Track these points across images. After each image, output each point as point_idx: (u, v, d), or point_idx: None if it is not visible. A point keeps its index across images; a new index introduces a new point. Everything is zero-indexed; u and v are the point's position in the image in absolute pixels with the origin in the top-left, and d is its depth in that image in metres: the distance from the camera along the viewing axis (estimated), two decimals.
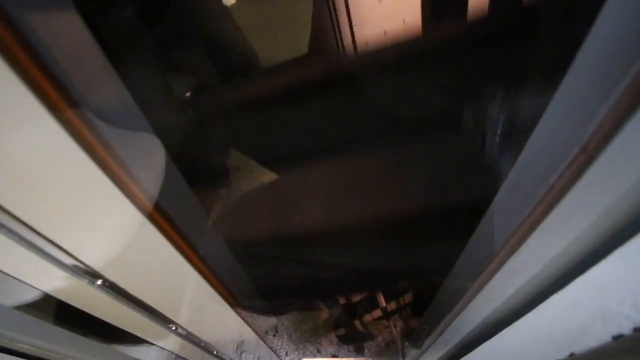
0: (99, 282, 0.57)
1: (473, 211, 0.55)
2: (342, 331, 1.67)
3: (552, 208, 0.36)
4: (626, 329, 0.38)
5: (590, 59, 0.32)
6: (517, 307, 0.55)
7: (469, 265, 0.58)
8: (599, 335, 0.44)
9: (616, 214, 0.35)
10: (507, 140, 0.81)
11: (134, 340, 0.84)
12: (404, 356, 1.53)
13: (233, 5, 1.13)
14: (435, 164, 1.05)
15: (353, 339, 1.65)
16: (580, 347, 0.47)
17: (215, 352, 1.17)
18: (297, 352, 1.63)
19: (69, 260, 0.51)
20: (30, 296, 0.58)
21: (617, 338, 0.41)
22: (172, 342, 0.94)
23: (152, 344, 0.90)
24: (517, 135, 0.77)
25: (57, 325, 0.70)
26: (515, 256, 0.43)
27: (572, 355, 0.49)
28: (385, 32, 0.96)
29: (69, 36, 0.39)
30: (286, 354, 1.63)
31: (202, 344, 1.06)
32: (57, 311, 0.70)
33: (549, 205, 0.36)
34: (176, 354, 1.04)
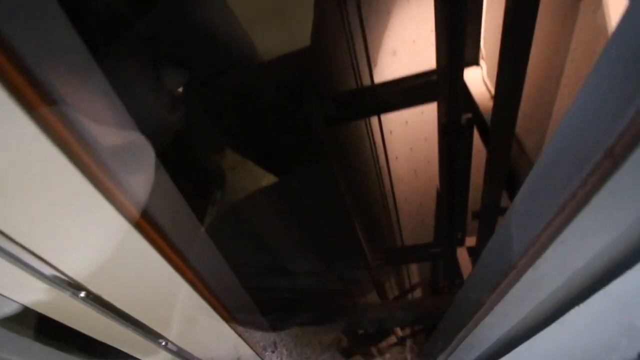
0: (83, 294, 0.57)
1: None
2: (347, 347, 1.67)
3: (573, 217, 0.35)
4: None
5: (616, 52, 0.32)
6: (535, 322, 0.55)
7: (484, 277, 0.58)
8: (625, 353, 0.44)
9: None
10: None
11: (121, 356, 0.83)
12: None
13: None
14: None
15: (359, 353, 1.65)
16: None
17: None
18: None
19: (49, 271, 0.51)
20: (7, 310, 0.58)
21: None
22: (161, 359, 0.93)
23: None
24: None
25: (37, 341, 0.70)
26: (534, 268, 0.43)
27: None
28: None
29: (45, 28, 0.38)
30: None
31: None
32: (37, 325, 0.70)
33: (571, 214, 0.36)
34: None
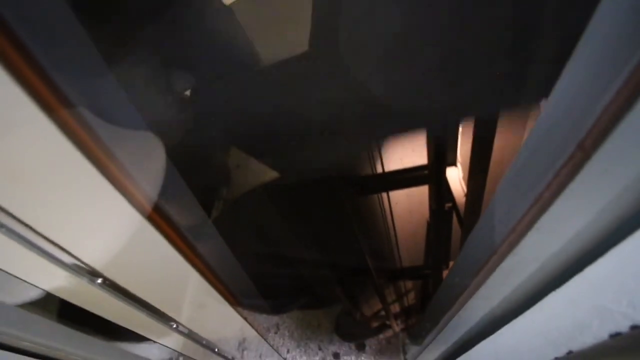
0: (99, 280, 0.57)
1: None
2: (343, 328, 1.67)
3: (549, 206, 0.36)
4: (623, 327, 0.38)
5: (587, 54, 0.32)
6: (515, 306, 0.55)
7: (468, 263, 0.58)
8: (597, 333, 0.44)
9: (613, 211, 0.34)
10: None
11: (136, 337, 0.84)
12: (404, 353, 1.53)
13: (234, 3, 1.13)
14: None
15: (354, 336, 1.65)
16: (577, 345, 0.47)
17: (216, 350, 1.18)
18: (298, 350, 1.64)
19: (68, 259, 0.51)
20: (32, 295, 0.59)
21: (615, 336, 0.41)
22: (173, 340, 0.94)
23: (154, 341, 0.90)
24: None
25: (60, 323, 0.70)
26: (513, 254, 0.43)
27: (570, 352, 0.49)
28: None
29: (63, 35, 0.38)
30: (288, 352, 1.64)
31: (203, 342, 1.06)
32: (59, 309, 0.70)
33: (546, 203, 0.36)
34: (178, 352, 1.05)
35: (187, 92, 1.26)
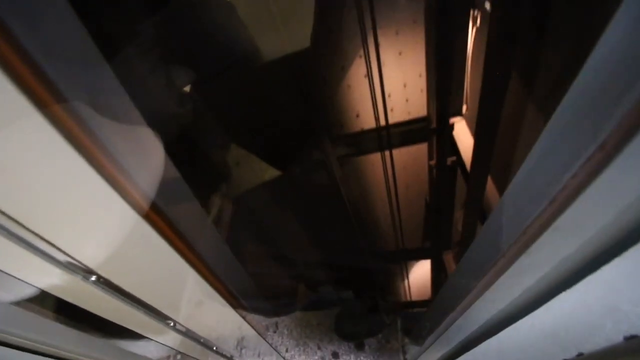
0: (93, 278, 0.55)
1: None
2: (342, 328, 1.67)
3: (565, 208, 0.34)
4: None
5: (608, 52, 0.30)
6: (523, 305, 0.54)
7: (475, 263, 0.57)
8: (610, 335, 0.43)
9: (632, 212, 0.33)
10: None
11: (133, 335, 0.83)
12: (404, 353, 1.52)
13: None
14: None
15: (353, 336, 1.65)
16: (589, 347, 0.46)
17: (215, 348, 1.17)
18: (297, 349, 1.63)
19: (62, 257, 0.50)
20: (27, 292, 0.57)
21: (630, 339, 0.40)
22: (170, 338, 0.93)
23: (150, 339, 0.89)
24: None
25: (57, 321, 0.69)
26: (524, 256, 0.42)
27: (580, 355, 0.48)
28: None
29: (57, 29, 0.37)
30: (286, 351, 1.63)
31: (201, 340, 1.05)
32: (57, 307, 0.69)
33: (563, 204, 0.35)
34: (176, 350, 1.04)
35: (186, 88, 1.24)
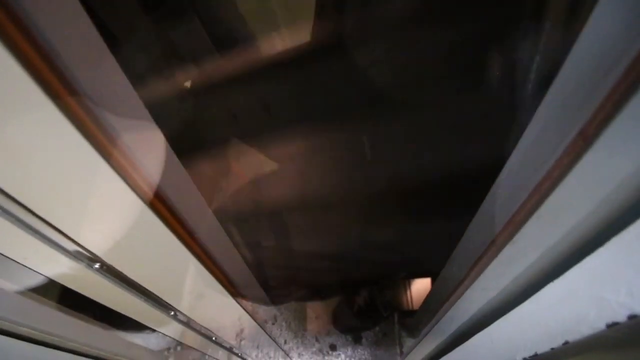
0: (97, 265, 0.57)
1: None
2: (340, 321, 1.68)
3: (548, 195, 0.36)
4: (621, 316, 0.38)
5: (588, 44, 0.31)
6: (513, 297, 0.55)
7: (466, 253, 0.58)
8: (594, 323, 0.44)
9: (613, 201, 0.34)
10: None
11: (135, 327, 0.84)
12: (400, 345, 1.54)
13: None
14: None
15: (351, 329, 1.66)
16: (574, 335, 0.47)
17: (214, 339, 1.18)
18: (295, 341, 1.65)
19: (66, 243, 0.51)
20: (31, 282, 0.59)
21: (612, 326, 0.41)
22: (171, 328, 0.94)
23: (152, 330, 0.91)
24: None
25: (58, 310, 0.70)
26: (512, 244, 0.43)
27: (566, 343, 0.49)
28: None
29: (68, 21, 0.38)
30: (285, 342, 1.65)
31: (201, 331, 1.07)
32: (59, 297, 0.70)
33: (546, 192, 0.36)
34: (177, 340, 1.05)
35: (188, 83, 1.25)
